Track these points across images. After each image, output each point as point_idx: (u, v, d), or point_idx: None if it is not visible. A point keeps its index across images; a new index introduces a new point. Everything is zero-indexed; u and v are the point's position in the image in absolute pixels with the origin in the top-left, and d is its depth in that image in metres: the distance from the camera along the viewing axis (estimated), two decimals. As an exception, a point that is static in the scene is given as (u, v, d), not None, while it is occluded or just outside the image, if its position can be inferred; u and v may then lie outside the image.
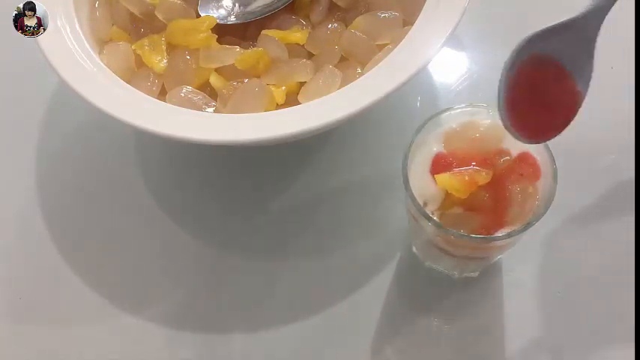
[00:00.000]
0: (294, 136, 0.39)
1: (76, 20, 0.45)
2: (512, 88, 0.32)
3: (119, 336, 0.45)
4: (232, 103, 0.43)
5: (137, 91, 0.42)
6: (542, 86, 0.34)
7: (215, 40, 0.46)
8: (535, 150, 0.37)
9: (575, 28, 0.32)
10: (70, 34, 0.44)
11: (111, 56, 0.45)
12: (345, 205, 0.48)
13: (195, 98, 0.44)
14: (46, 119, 0.53)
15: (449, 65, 0.54)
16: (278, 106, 0.43)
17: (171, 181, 0.50)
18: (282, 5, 0.48)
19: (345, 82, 0.43)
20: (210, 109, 0.44)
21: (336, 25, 0.47)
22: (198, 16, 0.48)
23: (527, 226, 0.35)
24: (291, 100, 0.44)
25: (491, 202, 0.36)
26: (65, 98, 0.53)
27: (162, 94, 0.45)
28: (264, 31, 0.47)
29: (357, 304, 0.44)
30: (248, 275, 0.46)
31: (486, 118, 0.38)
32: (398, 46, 0.41)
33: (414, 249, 0.45)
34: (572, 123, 0.34)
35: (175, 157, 0.51)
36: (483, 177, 0.36)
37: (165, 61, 0.46)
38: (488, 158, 0.37)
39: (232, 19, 0.49)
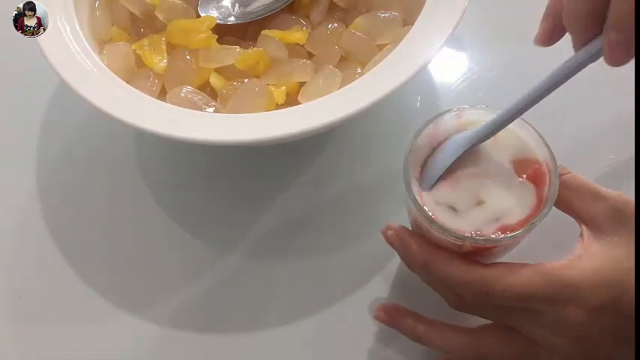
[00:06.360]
0: (294, 136, 0.39)
1: (76, 20, 0.45)
2: None
3: (119, 336, 0.45)
4: (232, 103, 0.43)
5: (137, 91, 0.42)
6: None
7: (215, 40, 0.46)
8: (535, 150, 0.37)
9: None
10: (70, 34, 0.44)
11: (111, 56, 0.45)
12: (345, 206, 0.48)
13: (195, 98, 0.44)
14: (46, 119, 0.53)
15: (449, 65, 0.54)
16: (278, 106, 0.43)
17: (172, 181, 0.50)
18: (282, 5, 0.48)
19: (345, 82, 0.43)
20: (210, 109, 0.44)
21: (336, 25, 0.47)
22: (199, 16, 0.48)
23: (529, 227, 0.35)
24: (291, 100, 0.44)
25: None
26: (65, 98, 0.53)
27: (162, 94, 0.45)
28: (264, 31, 0.47)
29: (357, 304, 0.44)
30: (248, 275, 0.46)
31: (486, 119, 0.38)
32: (398, 46, 0.41)
33: (414, 249, 0.45)
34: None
35: (175, 157, 0.51)
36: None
37: (165, 61, 0.46)
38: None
39: (232, 19, 0.49)
